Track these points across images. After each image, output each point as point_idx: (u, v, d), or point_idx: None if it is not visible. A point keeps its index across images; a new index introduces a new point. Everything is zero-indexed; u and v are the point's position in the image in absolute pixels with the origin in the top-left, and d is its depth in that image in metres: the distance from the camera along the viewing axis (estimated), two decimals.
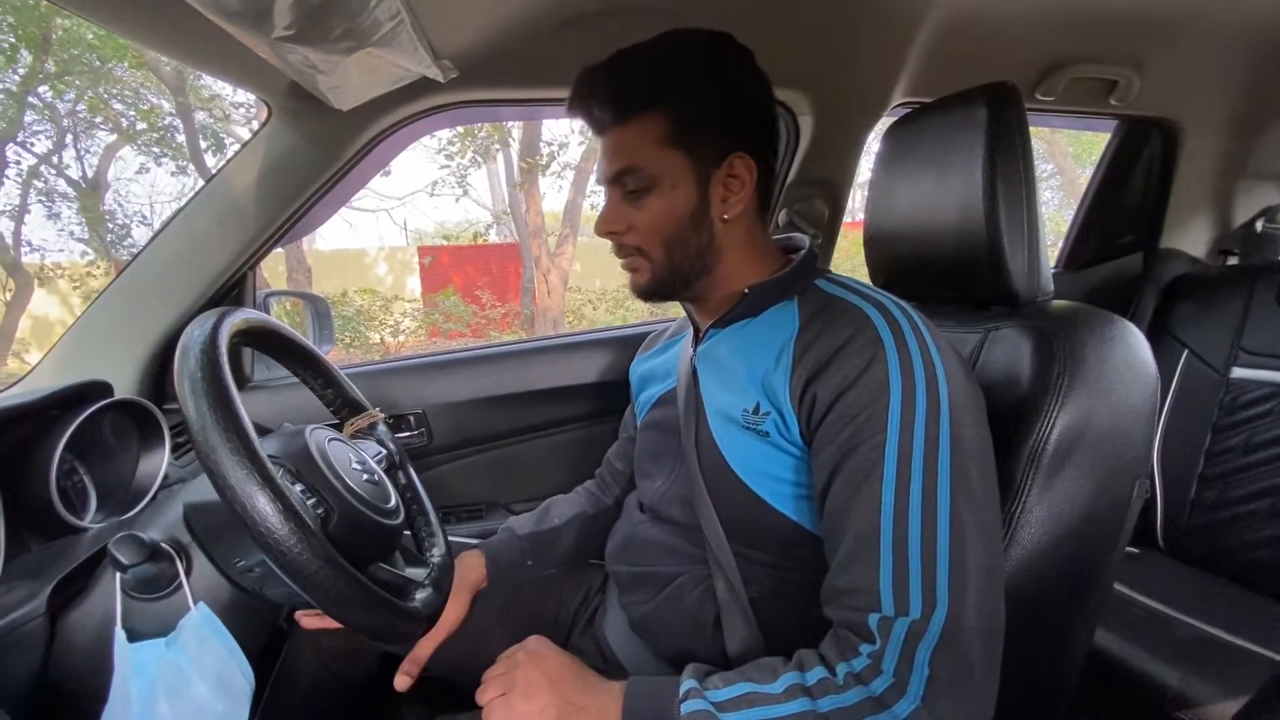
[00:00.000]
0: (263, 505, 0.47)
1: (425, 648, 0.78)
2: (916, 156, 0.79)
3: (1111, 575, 0.68)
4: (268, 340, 0.72)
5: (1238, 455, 1.17)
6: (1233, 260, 1.48)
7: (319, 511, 0.59)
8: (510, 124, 7.50)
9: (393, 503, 0.68)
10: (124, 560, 0.54)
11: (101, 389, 0.80)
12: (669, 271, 0.70)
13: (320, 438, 0.66)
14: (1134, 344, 0.67)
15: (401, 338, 7.70)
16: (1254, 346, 1.19)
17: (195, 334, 0.55)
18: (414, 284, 9.18)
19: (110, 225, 7.37)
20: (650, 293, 0.72)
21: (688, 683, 0.55)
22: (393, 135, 0.99)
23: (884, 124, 1.18)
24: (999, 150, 0.69)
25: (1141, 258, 1.48)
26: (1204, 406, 1.22)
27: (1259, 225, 1.44)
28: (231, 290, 1.01)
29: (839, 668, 0.51)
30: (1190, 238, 1.45)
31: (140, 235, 7.53)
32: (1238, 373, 1.20)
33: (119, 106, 6.90)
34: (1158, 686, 0.91)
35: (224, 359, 0.54)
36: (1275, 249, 1.42)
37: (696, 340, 0.76)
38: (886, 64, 1.07)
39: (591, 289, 8.34)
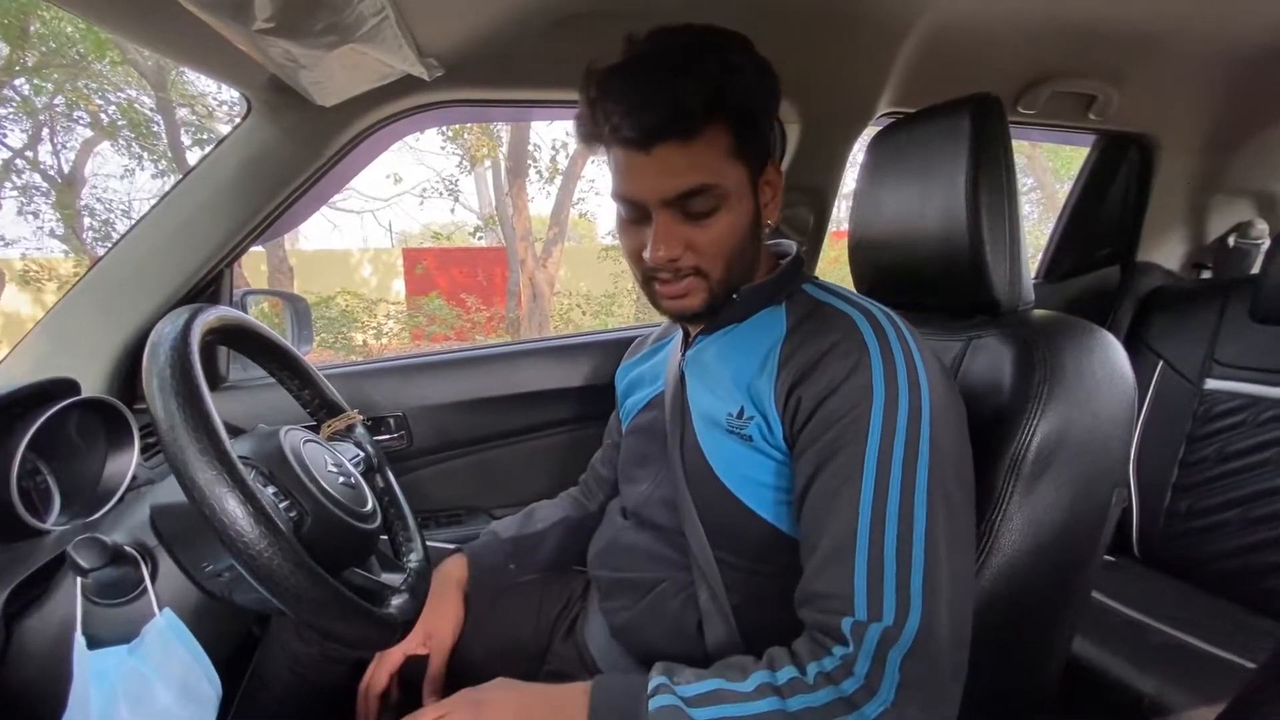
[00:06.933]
0: (232, 507, 0.46)
1: (437, 659, 0.79)
2: (901, 165, 0.79)
3: (1090, 582, 0.68)
4: (243, 339, 0.70)
5: (1211, 465, 1.19)
6: (1206, 274, 1.52)
7: (291, 515, 0.58)
8: (498, 128, 7.49)
9: (369, 506, 0.67)
10: (84, 564, 0.52)
11: (68, 387, 0.78)
12: (725, 288, 0.66)
13: (295, 439, 0.64)
14: (1112, 354, 0.68)
15: (384, 340, 7.62)
16: (1227, 359, 1.22)
17: (166, 331, 0.53)
18: (398, 286, 9.11)
19: (90, 222, 7.23)
20: (702, 316, 0.68)
21: (657, 679, 0.54)
22: (376, 133, 0.97)
23: (868, 133, 1.19)
24: (982, 161, 0.70)
25: (1119, 270, 1.51)
26: (1178, 417, 1.24)
27: (1232, 240, 1.47)
28: (207, 288, 0.99)
29: (810, 667, 0.51)
30: (1166, 251, 1.48)
31: (120, 231, 7.39)
32: (1211, 384, 1.23)
33: (98, 102, 6.78)
34: (1133, 693, 0.92)
35: (195, 357, 0.52)
36: (1247, 264, 1.45)
37: (686, 345, 0.76)
38: (873, 74, 1.08)
39: (578, 293, 8.33)
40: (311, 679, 0.84)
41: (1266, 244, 1.43)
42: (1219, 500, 1.17)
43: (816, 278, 0.72)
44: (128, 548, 0.56)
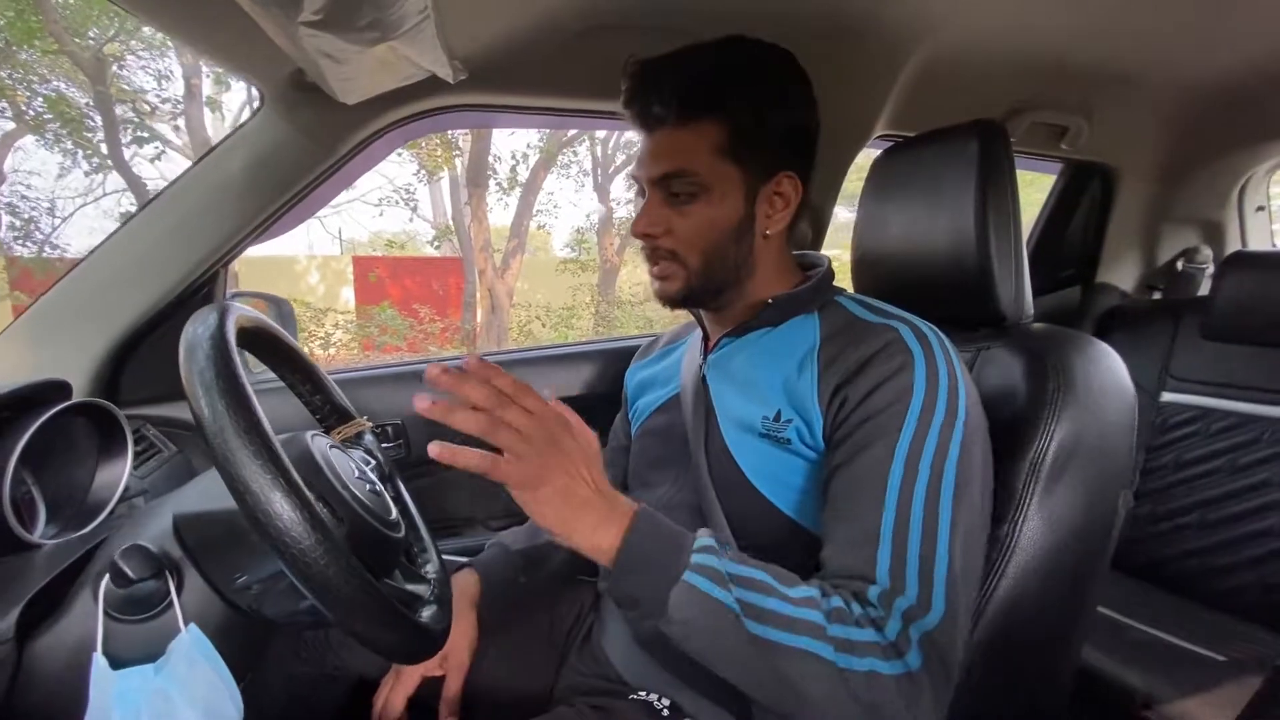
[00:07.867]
0: (288, 513, 0.44)
1: (455, 680, 0.76)
2: (907, 185, 0.83)
3: (1102, 582, 0.71)
4: (260, 341, 0.67)
5: (1169, 472, 1.28)
6: (1156, 295, 1.63)
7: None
8: (456, 136, 7.40)
9: (394, 515, 0.65)
10: (132, 574, 0.48)
11: (59, 390, 0.73)
12: (703, 280, 0.69)
13: (322, 444, 0.62)
14: (1114, 364, 0.72)
15: (333, 350, 7.35)
16: (1181, 373, 1.31)
17: (200, 330, 0.50)
18: (347, 294, 8.82)
19: (11, 220, 6.74)
20: (680, 301, 0.72)
21: (705, 539, 0.53)
22: (389, 134, 0.95)
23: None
24: (989, 182, 0.73)
25: (1079, 290, 1.61)
26: (1138, 426, 1.33)
27: (1179, 264, 1.59)
28: (202, 288, 0.94)
29: (853, 605, 0.52)
30: (1122, 273, 1.58)
31: (44, 231, 6.94)
32: (1167, 397, 1.32)
33: (24, 94, 6.35)
34: (1125, 689, 0.96)
35: (235, 354, 0.50)
36: (1193, 287, 1.58)
37: (707, 348, 0.76)
38: (873, 98, 1.13)
39: (537, 305, 8.25)
40: (307, 700, 0.81)
41: (1211, 269, 1.55)
42: (1178, 505, 1.25)
43: (847, 290, 0.74)
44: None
